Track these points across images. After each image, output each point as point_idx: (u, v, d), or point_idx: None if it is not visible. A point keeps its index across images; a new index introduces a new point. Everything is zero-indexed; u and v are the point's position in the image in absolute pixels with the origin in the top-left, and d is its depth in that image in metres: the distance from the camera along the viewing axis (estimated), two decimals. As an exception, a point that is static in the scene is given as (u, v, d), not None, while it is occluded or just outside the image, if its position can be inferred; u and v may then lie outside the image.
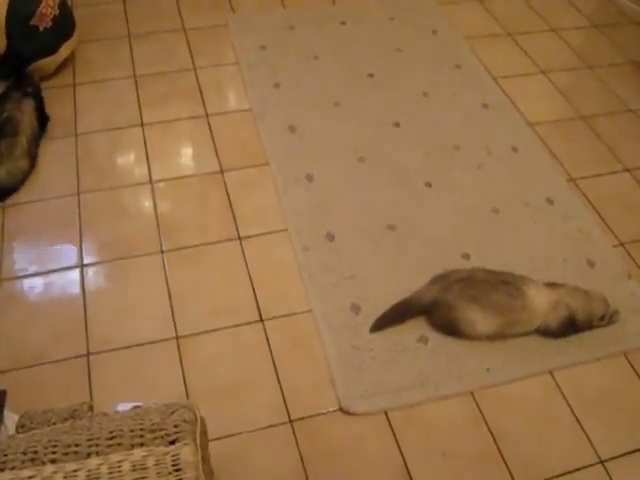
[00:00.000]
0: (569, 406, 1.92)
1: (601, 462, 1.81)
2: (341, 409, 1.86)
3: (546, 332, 2.02)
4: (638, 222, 2.42)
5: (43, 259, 2.16)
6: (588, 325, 2.02)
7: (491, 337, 2.00)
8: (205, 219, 2.31)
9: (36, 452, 1.15)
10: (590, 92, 2.96)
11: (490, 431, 1.85)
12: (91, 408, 1.42)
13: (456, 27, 3.21)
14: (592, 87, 2.99)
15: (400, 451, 1.79)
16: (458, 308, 1.97)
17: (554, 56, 3.13)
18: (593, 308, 2.01)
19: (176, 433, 1.17)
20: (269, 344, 1.99)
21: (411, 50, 3.04)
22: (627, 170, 2.62)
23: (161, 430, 1.18)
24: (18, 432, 1.33)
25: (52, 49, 2.70)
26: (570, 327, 2.01)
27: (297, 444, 1.79)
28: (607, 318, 2.02)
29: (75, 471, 1.09)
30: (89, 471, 1.09)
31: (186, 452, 1.13)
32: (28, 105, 2.45)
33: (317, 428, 1.82)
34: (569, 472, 1.78)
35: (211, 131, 2.62)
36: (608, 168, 2.62)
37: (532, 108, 2.83)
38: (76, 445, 1.16)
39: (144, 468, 1.10)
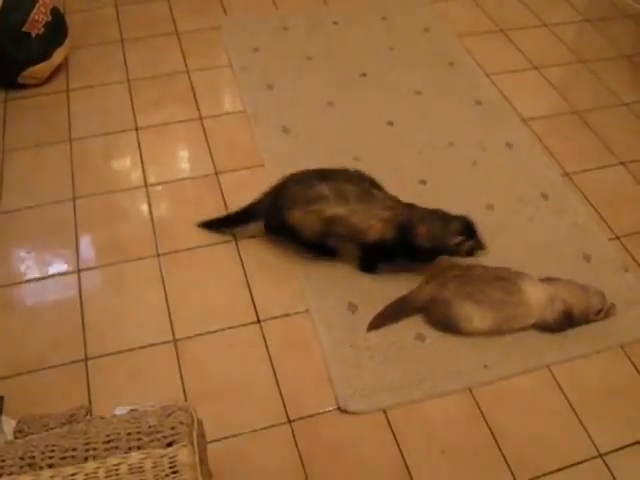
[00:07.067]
0: (567, 400, 1.92)
1: (600, 456, 1.81)
2: (339, 408, 1.86)
3: (543, 327, 2.02)
4: (633, 215, 2.43)
5: (39, 265, 2.17)
6: (585, 319, 2.02)
7: (488, 333, 2.00)
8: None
9: (34, 457, 1.16)
10: (584, 87, 2.97)
11: (489, 427, 1.85)
12: (89, 412, 1.42)
13: (448, 25, 3.21)
14: (585, 82, 3.00)
15: (399, 449, 1.80)
16: (455, 305, 1.97)
17: (547, 51, 3.13)
18: (590, 302, 2.01)
19: (173, 435, 1.18)
20: (267, 345, 1.99)
21: (404, 49, 3.05)
22: (622, 163, 2.62)
23: (158, 432, 1.18)
24: (16, 437, 1.33)
25: (45, 55, 2.70)
26: (567, 321, 2.01)
27: (296, 444, 1.79)
28: (604, 312, 2.02)
29: (73, 475, 1.10)
30: (86, 475, 1.10)
31: (183, 454, 1.14)
32: None
33: (316, 428, 1.83)
34: (568, 466, 1.79)
35: (205, 134, 2.62)
36: (603, 162, 2.62)
37: (526, 104, 2.83)
38: (73, 449, 1.16)
39: (141, 471, 1.11)
